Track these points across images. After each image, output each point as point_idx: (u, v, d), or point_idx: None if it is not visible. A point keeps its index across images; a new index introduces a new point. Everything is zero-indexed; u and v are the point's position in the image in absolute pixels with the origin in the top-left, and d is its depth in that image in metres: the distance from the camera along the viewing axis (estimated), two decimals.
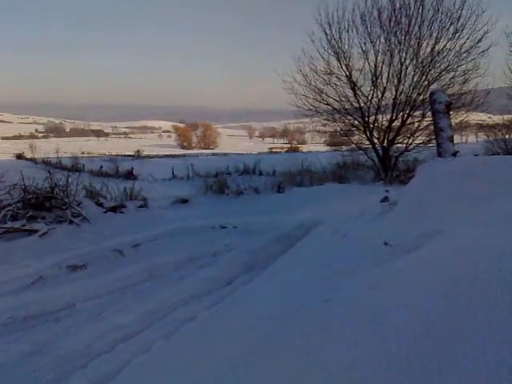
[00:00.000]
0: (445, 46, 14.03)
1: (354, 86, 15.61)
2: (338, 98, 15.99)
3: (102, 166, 24.87)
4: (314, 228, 6.87)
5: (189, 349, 3.27)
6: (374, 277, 3.22)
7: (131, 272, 5.75)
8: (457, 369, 1.85)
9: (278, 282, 4.23)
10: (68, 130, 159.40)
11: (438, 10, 13.84)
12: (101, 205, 9.25)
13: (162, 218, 9.06)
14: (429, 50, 14.27)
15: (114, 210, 9.19)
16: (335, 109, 16.21)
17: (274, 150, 56.48)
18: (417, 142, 15.69)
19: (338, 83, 15.75)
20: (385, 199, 5.96)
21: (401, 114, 15.48)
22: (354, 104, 16.06)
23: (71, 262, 6.13)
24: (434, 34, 13.99)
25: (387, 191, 6.30)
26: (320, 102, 16.05)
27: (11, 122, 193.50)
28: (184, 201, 10.98)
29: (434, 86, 10.53)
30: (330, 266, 4.01)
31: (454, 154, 5.39)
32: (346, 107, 16.21)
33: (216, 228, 8.18)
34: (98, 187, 10.40)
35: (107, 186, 10.35)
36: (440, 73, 14.51)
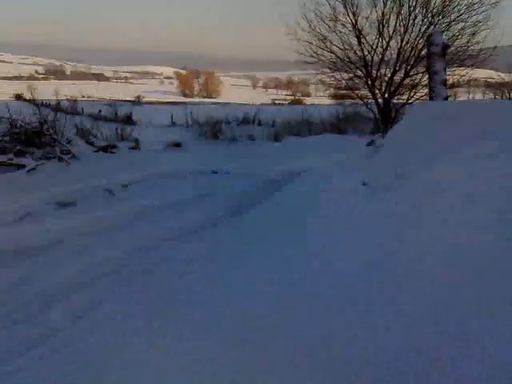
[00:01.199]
0: None
1: (359, 33, 14.95)
2: (342, 46, 15.35)
3: (100, 110, 24.50)
4: (302, 174, 6.87)
5: (166, 283, 3.37)
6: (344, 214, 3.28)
7: (119, 211, 5.81)
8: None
9: (259, 222, 4.29)
10: (68, 73, 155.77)
11: None
12: (92, 144, 9.19)
13: (152, 160, 9.03)
14: None
15: (104, 149, 9.13)
16: (338, 57, 15.66)
17: (276, 102, 55.32)
18: (419, 94, 15.25)
19: (342, 30, 15.04)
20: (371, 143, 5.91)
21: (404, 65, 14.97)
22: (357, 53, 15.49)
23: (60, 198, 6.15)
24: None
25: (373, 133, 6.22)
26: (323, 49, 15.45)
27: (11, 62, 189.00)
28: (177, 145, 10.91)
29: (432, 30, 10.11)
30: (307, 207, 4.06)
31: (446, 99, 5.27)
32: (350, 56, 15.66)
33: (206, 172, 8.17)
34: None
35: (98, 126, 10.25)
36: (449, 23, 13.85)
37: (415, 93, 15.21)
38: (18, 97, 42.47)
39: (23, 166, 7.07)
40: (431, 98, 5.22)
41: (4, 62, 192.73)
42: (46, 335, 2.82)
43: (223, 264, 3.57)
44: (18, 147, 7.55)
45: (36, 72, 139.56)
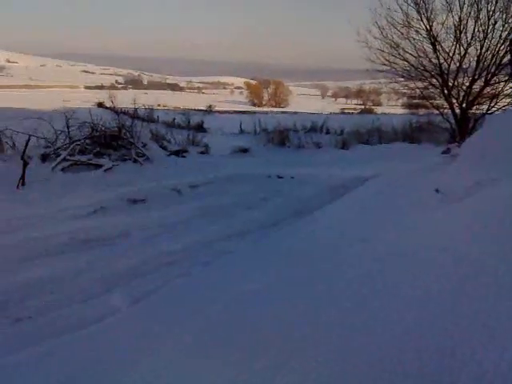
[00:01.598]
0: None
1: (434, 40, 14.27)
2: (415, 54, 14.73)
3: (174, 118, 25.66)
4: (370, 180, 6.67)
5: (223, 275, 3.38)
6: (414, 221, 3.09)
7: (186, 209, 6.00)
8: (481, 302, 1.75)
9: (322, 223, 4.19)
10: (145, 83, 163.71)
11: None
12: (165, 148, 9.60)
13: (221, 164, 9.24)
14: None
15: (176, 153, 9.52)
16: (412, 65, 15.04)
17: (346, 111, 54.43)
18: (501, 104, 14.24)
19: (416, 37, 14.43)
20: (447, 151, 5.59)
21: (484, 73, 14.06)
22: (432, 60, 14.80)
23: (132, 195, 6.48)
24: None
25: (450, 143, 5.90)
26: (396, 57, 14.90)
27: (94, 73, 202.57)
28: (244, 150, 11.08)
29: None
30: (376, 211, 3.90)
31: None
32: (424, 64, 15.01)
33: (272, 177, 8.20)
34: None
35: (172, 132, 10.69)
36: None
37: (496, 102, 14.24)
38: (100, 104, 45.57)
39: (101, 166, 7.54)
40: None
41: (88, 72, 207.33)
42: (104, 315, 3.00)
43: (282, 260, 3.50)
44: (98, 149, 8.09)
45: (116, 82, 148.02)
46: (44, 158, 7.45)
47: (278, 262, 3.50)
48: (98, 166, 7.52)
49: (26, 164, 6.50)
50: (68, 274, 3.82)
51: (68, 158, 7.42)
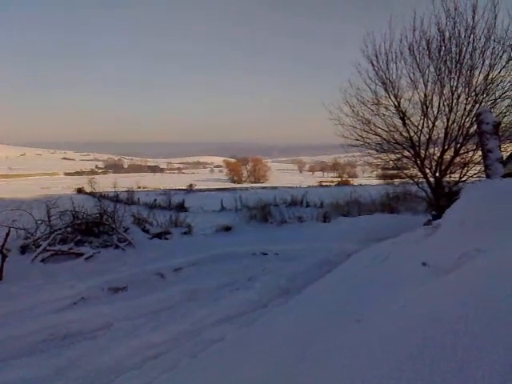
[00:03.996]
0: (499, 73, 13.45)
1: (403, 115, 15.17)
2: (386, 128, 15.52)
3: (155, 199, 25.77)
4: (353, 255, 6.65)
5: (213, 368, 3.20)
6: (403, 298, 3.04)
7: (170, 295, 5.82)
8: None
9: (312, 303, 4.09)
10: (126, 166, 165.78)
11: (490, 37, 13.39)
12: (147, 231, 9.51)
13: (204, 244, 9.16)
14: (482, 78, 13.72)
15: (159, 236, 9.43)
16: (384, 139, 15.80)
17: (323, 184, 55.84)
18: (472, 172, 14.87)
19: (386, 113, 15.29)
20: (428, 222, 5.69)
21: (453, 143, 14.83)
22: (403, 134, 15.59)
23: (113, 284, 6.30)
24: (487, 62, 13.47)
25: (431, 214, 6.01)
26: (368, 132, 15.70)
27: (74, 160, 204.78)
28: (227, 228, 11.09)
29: (480, 108, 10.05)
30: (366, 288, 3.84)
31: (504, 176, 5.07)
32: (396, 137, 15.79)
33: (257, 254, 8.14)
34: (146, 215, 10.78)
35: (154, 214, 10.68)
36: (495, 101, 13.83)
37: (468, 170, 14.86)
38: (79, 190, 45.82)
39: (82, 255, 7.39)
40: (488, 177, 5.04)
41: (68, 159, 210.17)
42: None
43: (271, 348, 3.35)
44: (79, 237, 7.97)
45: (96, 167, 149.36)
46: (23, 249, 7.28)
47: (267, 351, 3.35)
48: (79, 255, 7.36)
49: (4, 257, 6.32)
50: (48, 374, 3.63)
51: (48, 248, 7.26)
